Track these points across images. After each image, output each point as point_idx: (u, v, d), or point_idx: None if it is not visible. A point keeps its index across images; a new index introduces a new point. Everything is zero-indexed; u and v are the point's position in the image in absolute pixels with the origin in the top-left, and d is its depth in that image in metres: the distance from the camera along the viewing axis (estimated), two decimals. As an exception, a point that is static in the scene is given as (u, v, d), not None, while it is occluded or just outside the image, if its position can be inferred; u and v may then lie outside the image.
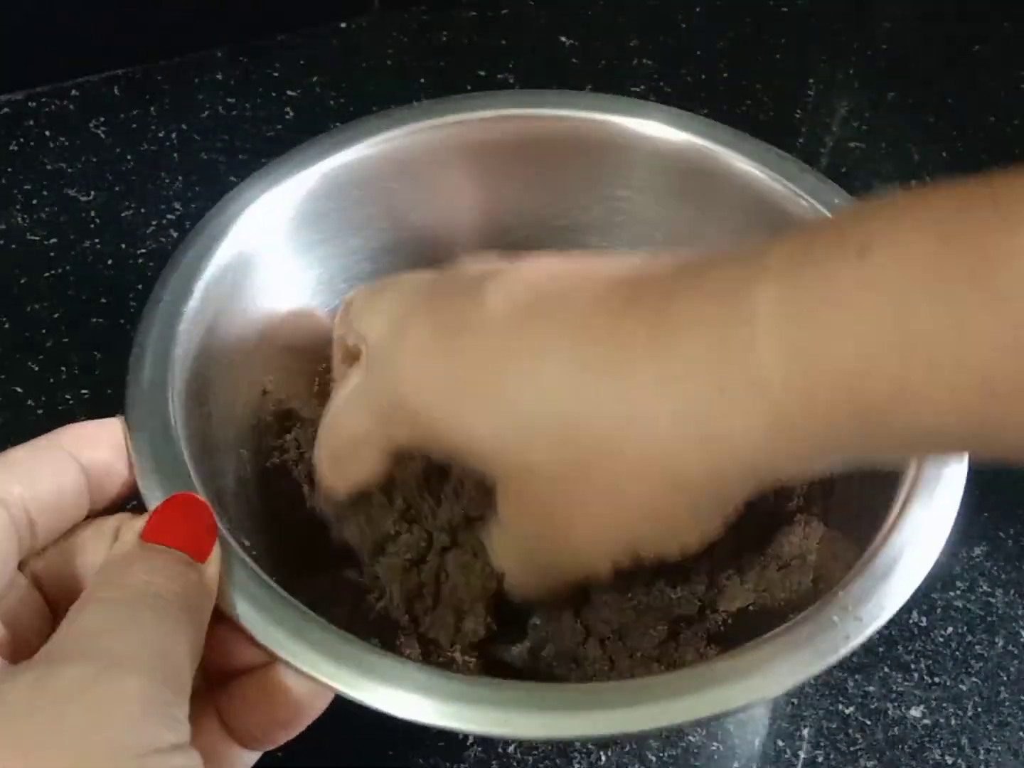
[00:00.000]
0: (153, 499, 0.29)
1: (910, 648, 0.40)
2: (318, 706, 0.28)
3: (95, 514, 0.29)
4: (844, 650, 0.28)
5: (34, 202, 0.52)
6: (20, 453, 0.28)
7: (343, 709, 0.29)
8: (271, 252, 0.38)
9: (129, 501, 0.30)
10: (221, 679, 0.29)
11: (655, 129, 0.39)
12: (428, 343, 0.29)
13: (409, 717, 0.26)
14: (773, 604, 0.34)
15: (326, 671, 0.26)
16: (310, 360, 0.40)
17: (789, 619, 0.29)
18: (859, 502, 0.34)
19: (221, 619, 0.27)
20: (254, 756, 0.29)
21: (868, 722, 0.38)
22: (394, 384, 0.30)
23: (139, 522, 0.27)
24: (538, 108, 0.40)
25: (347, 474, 0.33)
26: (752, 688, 0.27)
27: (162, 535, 0.26)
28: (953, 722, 0.38)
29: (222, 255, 0.36)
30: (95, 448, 0.29)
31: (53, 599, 0.28)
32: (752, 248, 0.25)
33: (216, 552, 0.27)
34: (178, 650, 0.24)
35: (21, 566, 0.27)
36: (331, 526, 0.34)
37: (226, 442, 0.35)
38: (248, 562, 0.29)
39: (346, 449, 0.32)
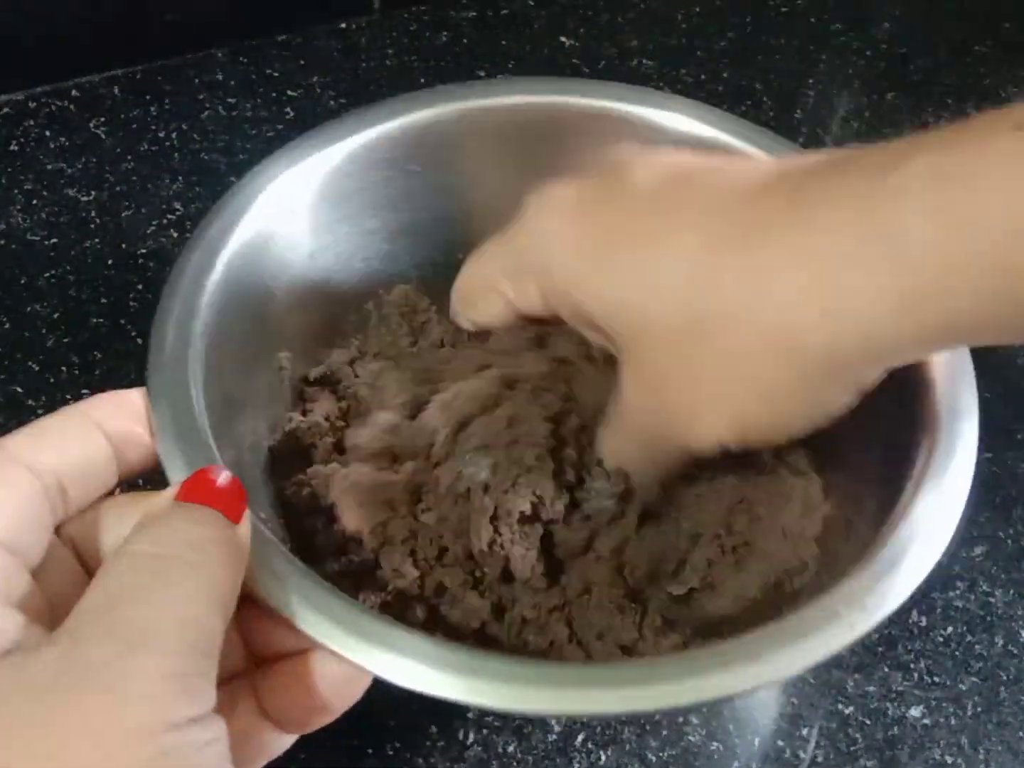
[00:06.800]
0: (173, 466, 0.29)
1: (910, 648, 0.40)
2: (355, 691, 0.28)
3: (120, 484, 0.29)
4: (849, 638, 0.28)
5: (34, 202, 0.52)
6: (49, 422, 0.28)
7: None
8: (292, 229, 0.38)
9: (152, 472, 0.30)
10: (260, 663, 0.29)
11: (679, 122, 0.40)
12: (570, 210, 0.31)
13: (446, 696, 0.26)
14: (774, 576, 0.34)
15: (363, 654, 0.27)
16: (326, 337, 0.41)
17: (792, 608, 0.29)
18: (868, 486, 0.34)
19: (260, 604, 0.27)
20: (289, 740, 0.29)
21: (868, 722, 0.38)
22: (533, 242, 0.31)
23: (171, 489, 0.27)
24: (562, 96, 0.40)
25: (473, 312, 0.35)
26: (757, 673, 0.27)
27: (196, 498, 0.26)
28: (953, 722, 0.38)
29: (244, 230, 0.36)
30: (118, 418, 0.29)
31: (89, 565, 0.28)
32: (899, 140, 0.25)
33: (247, 517, 0.27)
34: (209, 609, 0.24)
35: (57, 531, 0.27)
36: None
37: (243, 414, 0.35)
38: (281, 547, 0.29)
39: (478, 293, 0.34)
